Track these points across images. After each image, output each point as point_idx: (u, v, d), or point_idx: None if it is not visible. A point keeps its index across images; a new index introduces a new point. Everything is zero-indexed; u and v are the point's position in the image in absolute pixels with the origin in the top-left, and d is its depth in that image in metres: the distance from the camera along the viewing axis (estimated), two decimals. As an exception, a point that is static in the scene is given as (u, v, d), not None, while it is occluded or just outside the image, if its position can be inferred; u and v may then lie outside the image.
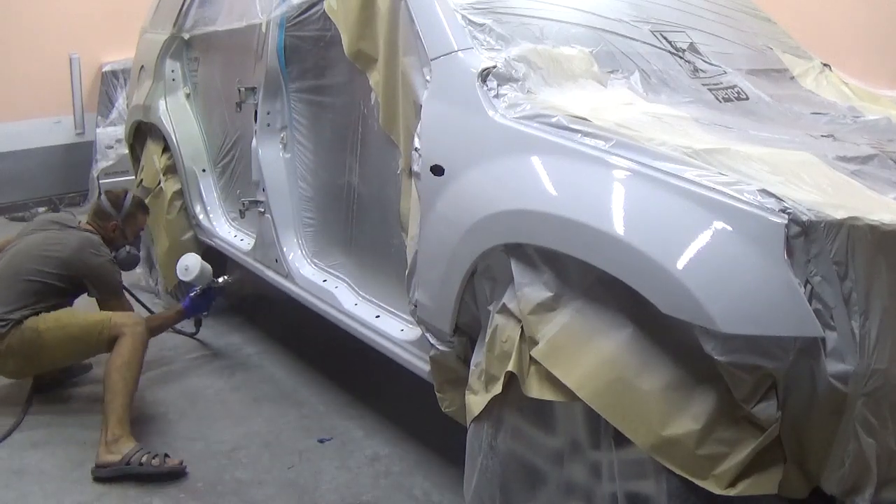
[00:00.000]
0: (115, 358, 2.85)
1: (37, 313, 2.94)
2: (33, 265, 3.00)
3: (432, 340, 2.23)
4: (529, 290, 1.81)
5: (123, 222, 3.37)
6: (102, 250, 3.17)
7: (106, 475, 2.63)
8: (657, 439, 1.55)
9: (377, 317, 2.65)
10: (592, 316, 1.71)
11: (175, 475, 2.63)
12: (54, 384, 3.25)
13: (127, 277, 4.38)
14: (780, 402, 1.48)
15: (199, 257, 3.52)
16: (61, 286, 3.04)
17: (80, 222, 3.31)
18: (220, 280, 3.58)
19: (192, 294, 3.50)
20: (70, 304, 3.15)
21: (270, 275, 3.25)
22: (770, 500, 1.52)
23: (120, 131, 5.30)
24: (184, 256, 3.56)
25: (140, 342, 2.93)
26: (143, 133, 4.31)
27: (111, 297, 3.17)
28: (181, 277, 3.49)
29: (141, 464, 2.62)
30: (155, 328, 3.23)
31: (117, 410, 2.74)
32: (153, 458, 2.64)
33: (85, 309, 3.21)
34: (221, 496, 2.56)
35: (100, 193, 3.52)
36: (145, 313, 3.54)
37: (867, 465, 1.50)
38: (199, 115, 3.97)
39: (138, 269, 4.36)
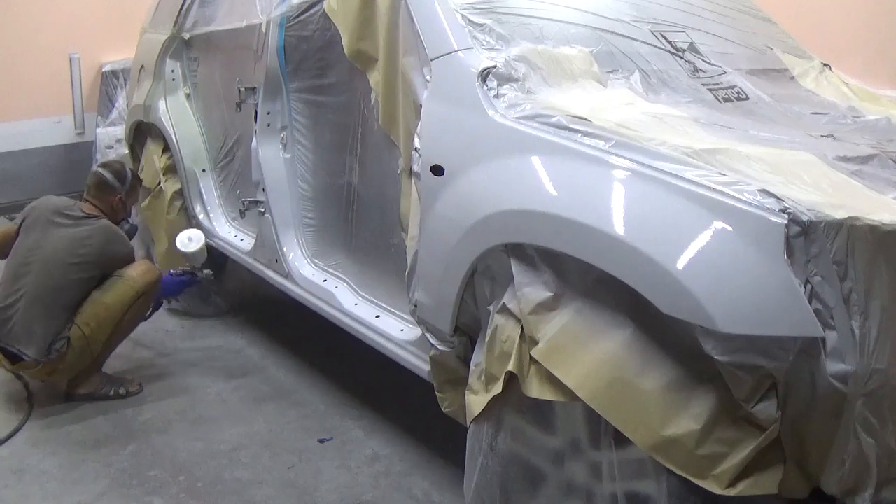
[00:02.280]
0: (129, 318, 3.16)
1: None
2: (71, 275, 3.04)
3: (432, 340, 2.23)
4: (529, 290, 1.81)
5: (126, 195, 3.38)
6: (121, 235, 3.25)
7: (76, 400, 3.12)
8: (657, 439, 1.55)
9: (377, 317, 2.65)
10: (592, 316, 1.71)
11: (135, 394, 3.18)
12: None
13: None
14: (780, 402, 1.48)
15: (204, 236, 3.48)
16: (96, 277, 3.12)
17: (83, 207, 3.27)
18: (206, 272, 3.52)
19: (171, 273, 3.47)
20: None
21: (270, 275, 3.25)
22: (770, 500, 1.52)
23: (120, 131, 5.29)
24: (190, 230, 3.52)
25: (147, 304, 3.26)
26: (143, 133, 4.30)
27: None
28: (180, 248, 3.43)
29: (108, 396, 3.14)
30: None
31: (100, 357, 3.16)
32: (119, 388, 3.16)
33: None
34: (221, 496, 2.56)
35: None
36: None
37: (867, 465, 1.50)
38: (199, 115, 3.97)
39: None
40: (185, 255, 3.45)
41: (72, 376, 3.11)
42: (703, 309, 1.47)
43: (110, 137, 5.97)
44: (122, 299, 3.10)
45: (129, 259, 3.23)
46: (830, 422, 1.48)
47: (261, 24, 3.13)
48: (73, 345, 3.00)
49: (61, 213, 3.22)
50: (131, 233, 3.45)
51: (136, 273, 3.16)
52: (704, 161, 1.67)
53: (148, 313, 3.56)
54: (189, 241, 3.43)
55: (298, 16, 2.95)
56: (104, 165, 3.45)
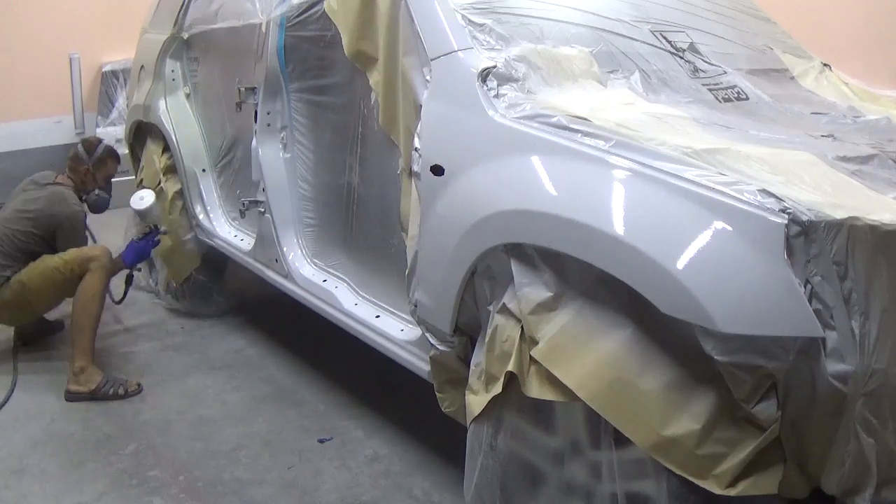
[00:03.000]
0: (81, 295, 3.30)
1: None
2: (15, 227, 3.40)
3: (432, 340, 2.23)
4: (529, 290, 1.81)
5: (94, 167, 3.67)
6: (72, 201, 3.51)
7: (76, 400, 3.17)
8: (657, 439, 1.55)
9: (377, 317, 2.65)
10: (592, 316, 1.71)
11: (134, 394, 3.22)
12: (37, 336, 3.67)
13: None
14: (780, 402, 1.48)
15: (151, 193, 3.73)
16: (42, 236, 3.42)
17: (56, 176, 3.60)
18: (163, 228, 3.77)
19: (131, 242, 3.68)
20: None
21: (270, 275, 3.25)
22: (770, 500, 1.52)
23: (120, 131, 5.30)
24: (142, 190, 3.77)
25: (103, 276, 3.37)
26: (143, 133, 4.31)
27: (73, 246, 3.46)
28: (134, 206, 3.67)
29: (108, 395, 3.18)
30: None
31: (83, 343, 3.26)
32: (119, 388, 3.20)
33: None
34: (221, 496, 2.56)
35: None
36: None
37: (867, 465, 1.50)
38: (199, 115, 3.97)
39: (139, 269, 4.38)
40: (139, 213, 3.67)
41: (8, 318, 3.46)
42: (702, 309, 1.47)
43: (110, 137, 5.97)
44: (57, 262, 3.35)
45: (71, 221, 3.46)
46: (830, 422, 1.48)
47: (261, 24, 3.13)
48: (10, 286, 3.34)
49: (34, 181, 3.59)
50: (99, 202, 3.72)
51: (85, 251, 3.42)
52: (704, 161, 1.66)
53: (121, 296, 3.76)
54: (141, 199, 3.66)
55: (298, 16, 2.95)
56: (83, 140, 3.76)
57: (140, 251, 3.63)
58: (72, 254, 3.37)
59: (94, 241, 3.99)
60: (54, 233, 3.43)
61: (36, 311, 3.48)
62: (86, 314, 3.28)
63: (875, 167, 1.84)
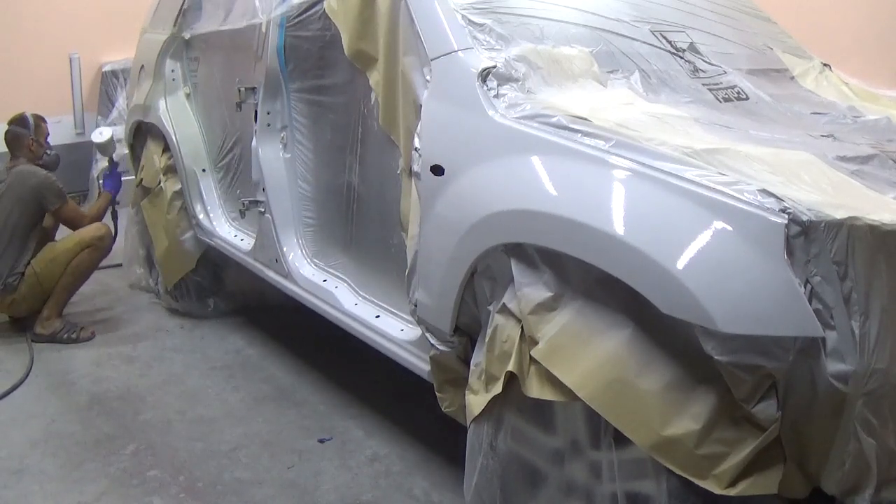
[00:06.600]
0: (78, 262, 3.75)
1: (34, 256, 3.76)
2: (14, 220, 3.72)
3: (432, 340, 2.23)
4: (529, 290, 1.81)
5: (35, 134, 3.96)
6: (35, 171, 3.81)
7: (39, 341, 3.69)
8: (657, 439, 1.55)
9: (377, 317, 2.65)
10: (592, 316, 1.71)
11: (86, 340, 3.72)
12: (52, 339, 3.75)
13: (126, 278, 4.42)
14: (780, 402, 1.49)
15: (111, 129, 4.17)
16: (35, 211, 3.76)
17: (10, 163, 3.90)
18: (119, 153, 4.26)
19: (105, 178, 4.18)
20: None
21: (270, 275, 3.25)
22: (770, 500, 1.52)
23: (120, 131, 5.30)
24: (102, 127, 4.22)
25: (100, 256, 3.88)
26: (143, 133, 4.31)
27: (61, 203, 3.82)
28: (95, 140, 4.14)
29: (64, 339, 3.69)
30: (96, 217, 3.98)
31: (58, 299, 3.76)
32: (72, 333, 3.71)
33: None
34: (221, 496, 2.56)
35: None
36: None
37: (867, 465, 1.50)
38: (199, 115, 3.97)
39: (139, 270, 4.39)
40: (98, 147, 4.15)
41: (26, 308, 3.76)
42: (702, 309, 1.48)
43: (110, 138, 5.96)
44: (68, 246, 3.76)
45: (45, 185, 3.75)
46: (830, 422, 1.48)
47: (261, 24, 3.13)
48: (26, 280, 3.71)
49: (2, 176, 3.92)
50: (53, 160, 4.02)
51: (85, 229, 3.83)
52: (704, 161, 1.67)
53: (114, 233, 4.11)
54: (101, 134, 4.13)
55: (298, 16, 2.95)
56: (8, 123, 3.98)
57: (114, 179, 4.14)
58: (81, 234, 3.78)
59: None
60: (44, 204, 3.76)
61: (48, 292, 3.76)
62: (73, 278, 3.77)
63: (875, 167, 1.84)
